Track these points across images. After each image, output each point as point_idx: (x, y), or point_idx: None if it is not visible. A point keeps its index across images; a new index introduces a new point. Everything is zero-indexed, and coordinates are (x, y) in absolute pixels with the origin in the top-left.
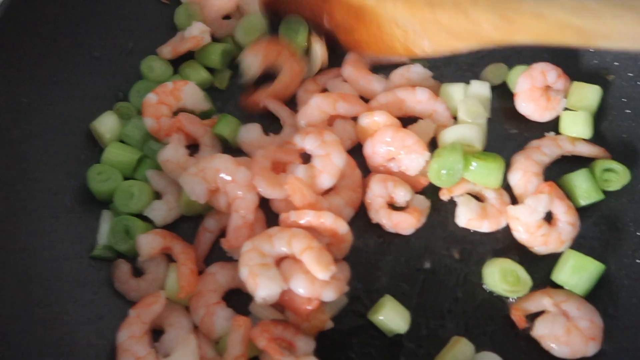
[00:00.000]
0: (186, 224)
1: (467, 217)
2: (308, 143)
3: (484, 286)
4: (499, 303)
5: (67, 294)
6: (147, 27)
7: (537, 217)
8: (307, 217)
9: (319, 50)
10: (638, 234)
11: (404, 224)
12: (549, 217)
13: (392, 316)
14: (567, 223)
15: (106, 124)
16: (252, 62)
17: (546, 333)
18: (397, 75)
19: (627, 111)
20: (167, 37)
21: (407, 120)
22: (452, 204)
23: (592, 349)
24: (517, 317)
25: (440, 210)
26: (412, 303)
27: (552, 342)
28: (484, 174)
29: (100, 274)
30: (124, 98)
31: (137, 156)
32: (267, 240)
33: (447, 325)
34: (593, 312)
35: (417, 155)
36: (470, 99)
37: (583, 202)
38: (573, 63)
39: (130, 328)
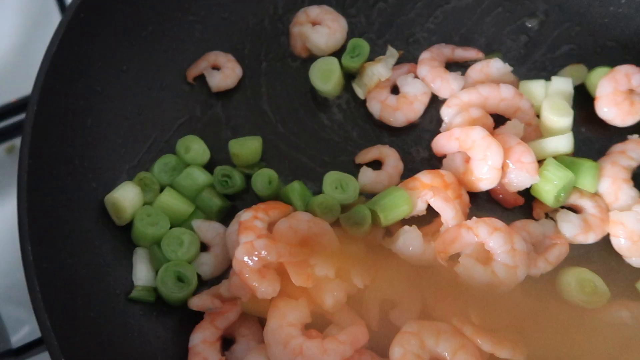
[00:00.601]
0: None
1: (572, 234)
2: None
3: None
4: None
5: None
6: (217, 19)
7: None
8: (486, 345)
9: (376, 73)
10: None
11: (561, 256)
12: None
13: None
14: None
15: (129, 198)
16: None
17: None
18: (476, 70)
19: None
20: (237, 33)
21: None
22: None
23: None
24: None
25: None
26: None
27: None
28: (581, 177)
29: None
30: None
31: (192, 209)
32: (434, 334)
33: None
34: None
35: (527, 176)
36: (554, 96)
37: None
38: None
39: (204, 332)
